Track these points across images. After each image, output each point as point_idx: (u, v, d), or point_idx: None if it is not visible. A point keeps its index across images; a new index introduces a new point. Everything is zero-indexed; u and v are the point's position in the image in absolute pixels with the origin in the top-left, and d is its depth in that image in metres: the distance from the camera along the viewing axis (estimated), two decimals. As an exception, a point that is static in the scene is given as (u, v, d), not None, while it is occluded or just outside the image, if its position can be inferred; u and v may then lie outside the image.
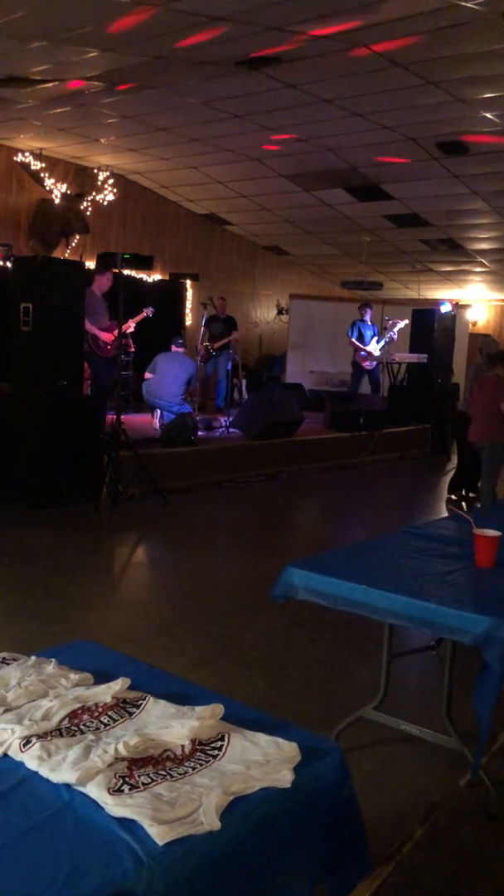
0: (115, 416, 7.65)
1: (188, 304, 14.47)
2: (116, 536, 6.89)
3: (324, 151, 10.78)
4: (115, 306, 8.21)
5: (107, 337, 9.05)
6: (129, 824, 1.42)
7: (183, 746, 1.66)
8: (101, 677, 1.96)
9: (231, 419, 10.36)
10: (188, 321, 14.36)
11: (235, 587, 5.54)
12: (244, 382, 13.47)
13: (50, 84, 8.64)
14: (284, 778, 1.59)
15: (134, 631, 4.53)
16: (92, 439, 7.58)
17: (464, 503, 8.54)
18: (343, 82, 8.24)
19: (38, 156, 11.81)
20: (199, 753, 1.65)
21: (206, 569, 6.04)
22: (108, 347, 9.08)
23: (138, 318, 9.83)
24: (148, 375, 9.49)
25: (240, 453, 9.58)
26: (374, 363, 12.48)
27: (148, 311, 9.83)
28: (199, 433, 9.48)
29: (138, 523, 7.19)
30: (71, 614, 4.73)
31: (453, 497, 8.73)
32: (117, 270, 8.09)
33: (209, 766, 1.60)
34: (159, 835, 1.38)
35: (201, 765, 1.61)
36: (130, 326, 9.85)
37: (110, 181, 12.72)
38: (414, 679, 3.96)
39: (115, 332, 8.71)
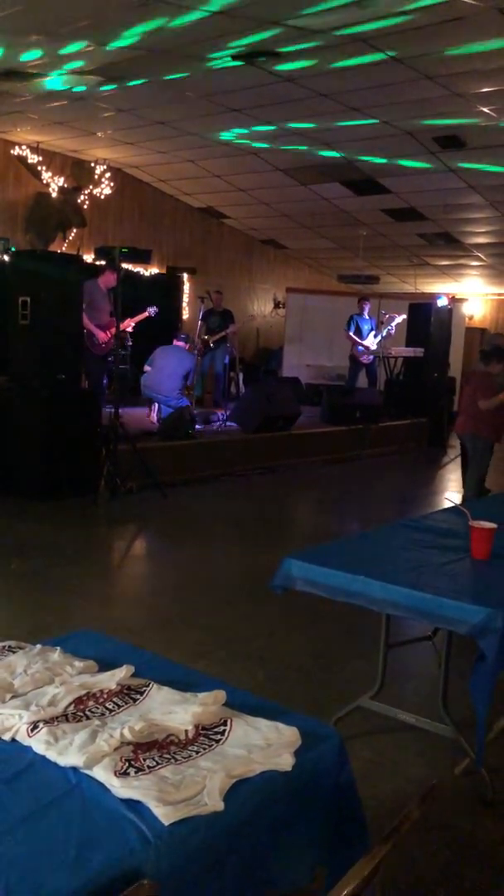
0: (112, 411, 7.68)
1: (185, 298, 14.48)
2: (115, 529, 6.93)
3: (320, 145, 10.79)
4: (115, 303, 8.22)
5: (102, 336, 8.98)
6: (135, 805, 1.46)
7: (187, 731, 1.70)
8: (105, 665, 2.00)
9: (228, 413, 10.39)
10: (185, 315, 14.37)
11: (234, 579, 5.59)
12: (241, 376, 13.49)
13: (47, 77, 8.64)
14: (285, 761, 1.63)
15: (133, 623, 4.57)
16: (90, 433, 7.61)
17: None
18: (340, 76, 8.25)
19: (35, 149, 11.80)
20: (202, 738, 1.69)
21: (204, 561, 6.08)
22: (102, 346, 9.04)
23: (140, 317, 9.69)
24: (147, 369, 9.50)
25: (237, 447, 9.62)
26: (372, 357, 12.51)
27: (150, 311, 9.74)
28: (197, 427, 9.51)
29: (137, 516, 7.23)
30: (70, 606, 4.77)
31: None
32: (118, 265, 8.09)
33: (212, 750, 1.65)
34: (165, 815, 1.42)
35: (205, 749, 1.65)
36: (130, 325, 9.73)
37: (107, 175, 12.72)
38: (411, 669, 4.00)
39: (112, 330, 8.69)
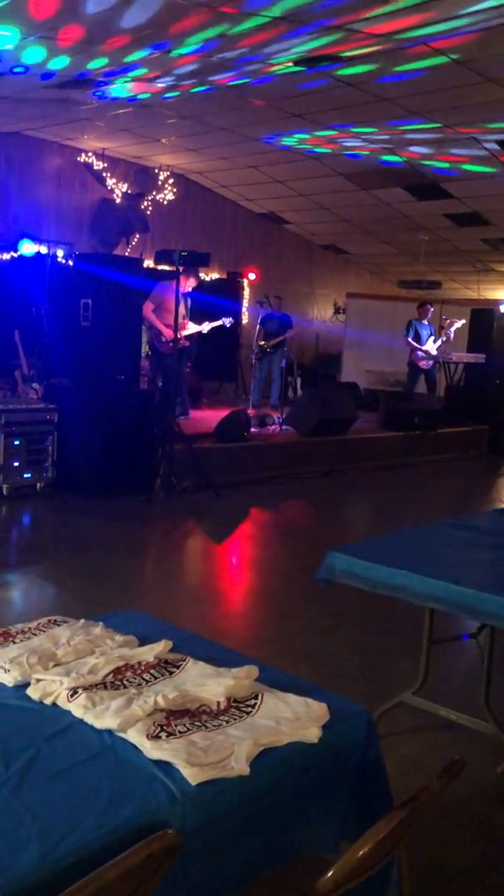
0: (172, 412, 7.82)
1: (245, 303, 14.61)
2: (169, 527, 7.05)
3: (382, 150, 10.79)
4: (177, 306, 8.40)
5: (169, 334, 9.15)
6: (164, 766, 1.53)
7: (218, 703, 1.77)
8: (145, 641, 2.08)
9: (284, 416, 10.44)
10: (245, 319, 14.49)
11: (283, 578, 5.63)
12: (299, 381, 13.53)
13: (114, 84, 8.86)
14: (312, 734, 1.68)
15: (182, 616, 4.65)
16: (147, 433, 7.75)
17: None
18: (402, 81, 8.25)
19: (100, 156, 12.10)
20: (233, 710, 1.75)
21: (254, 560, 6.14)
22: (170, 343, 9.20)
23: (214, 324, 9.87)
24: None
25: (292, 450, 9.66)
26: (431, 363, 12.39)
27: (225, 322, 9.88)
28: (253, 429, 9.58)
29: (190, 515, 7.34)
30: (123, 598, 4.88)
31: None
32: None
33: (242, 720, 1.70)
34: (192, 776, 1.49)
35: (235, 719, 1.71)
36: (205, 328, 9.82)
37: (170, 181, 12.94)
38: (454, 666, 3.98)
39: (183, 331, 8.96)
